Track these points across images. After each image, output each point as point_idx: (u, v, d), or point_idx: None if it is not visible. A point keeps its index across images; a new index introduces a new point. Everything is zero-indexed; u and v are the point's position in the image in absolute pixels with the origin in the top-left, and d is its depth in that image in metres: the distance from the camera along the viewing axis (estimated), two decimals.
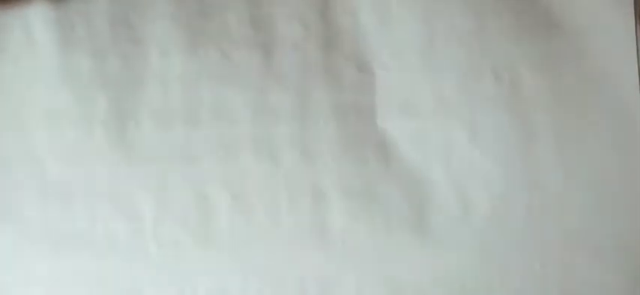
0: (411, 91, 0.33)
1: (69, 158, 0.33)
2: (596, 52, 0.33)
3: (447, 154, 0.33)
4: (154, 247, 0.33)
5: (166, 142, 0.33)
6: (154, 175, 0.33)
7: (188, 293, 0.32)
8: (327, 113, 0.33)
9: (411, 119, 0.33)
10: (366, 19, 0.33)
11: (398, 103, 0.33)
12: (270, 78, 0.33)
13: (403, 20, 0.33)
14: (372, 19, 0.33)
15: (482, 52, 0.33)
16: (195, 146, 0.33)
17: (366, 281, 0.32)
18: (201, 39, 0.33)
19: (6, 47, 0.34)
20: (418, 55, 0.33)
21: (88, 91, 0.33)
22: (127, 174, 0.33)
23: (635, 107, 0.32)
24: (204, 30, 0.34)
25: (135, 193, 0.33)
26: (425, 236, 0.32)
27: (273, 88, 0.33)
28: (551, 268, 0.32)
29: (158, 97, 0.33)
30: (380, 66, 0.33)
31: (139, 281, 0.32)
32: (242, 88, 0.33)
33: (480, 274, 0.32)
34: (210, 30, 0.34)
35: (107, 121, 0.33)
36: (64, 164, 0.33)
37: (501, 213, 0.32)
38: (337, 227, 0.33)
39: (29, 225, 0.33)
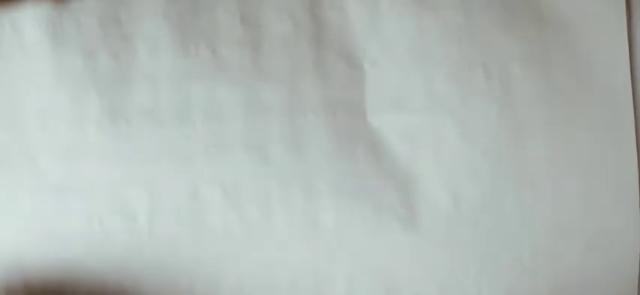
0: (400, 86, 0.33)
1: (63, 156, 0.33)
2: (587, 45, 0.32)
3: (438, 149, 0.33)
4: (149, 243, 0.33)
5: (157, 140, 0.33)
6: (147, 172, 0.33)
7: (184, 288, 0.33)
8: (317, 109, 0.33)
9: (401, 114, 0.33)
10: (355, 14, 0.33)
11: (388, 98, 0.33)
12: (260, 75, 0.33)
13: (392, 15, 0.33)
14: (361, 14, 0.33)
15: (473, 46, 0.33)
16: (186, 143, 0.33)
17: (358, 275, 0.33)
18: (191, 36, 0.33)
19: None
20: (408, 49, 0.33)
21: (79, 90, 0.33)
22: (121, 171, 0.33)
23: (626, 101, 0.32)
24: (194, 27, 0.33)
25: (129, 190, 0.33)
26: (415, 230, 0.33)
27: (263, 85, 0.33)
28: (542, 262, 0.32)
29: (148, 95, 0.33)
30: (369, 61, 0.33)
31: (136, 276, 0.33)
32: (232, 85, 0.33)
33: (470, 268, 0.32)
34: (200, 27, 0.33)
35: (99, 119, 0.33)
36: (58, 162, 0.33)
37: (491, 207, 0.32)
38: (328, 222, 0.33)
39: (25, 224, 0.33)
